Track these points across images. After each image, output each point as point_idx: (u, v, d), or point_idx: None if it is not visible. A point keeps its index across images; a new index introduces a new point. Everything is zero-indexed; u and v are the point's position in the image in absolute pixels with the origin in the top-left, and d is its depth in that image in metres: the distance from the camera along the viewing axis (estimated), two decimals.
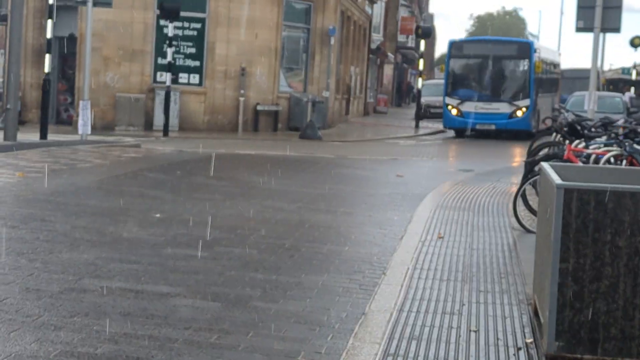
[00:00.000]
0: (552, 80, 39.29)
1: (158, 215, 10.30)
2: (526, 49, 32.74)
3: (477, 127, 31.68)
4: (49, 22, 21.37)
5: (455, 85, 33.06)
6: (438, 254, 8.87)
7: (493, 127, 31.70)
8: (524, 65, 32.58)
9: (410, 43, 64.23)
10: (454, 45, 33.28)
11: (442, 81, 63.04)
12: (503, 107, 31.84)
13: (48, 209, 10.42)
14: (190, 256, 8.26)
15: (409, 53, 68.53)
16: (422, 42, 39.77)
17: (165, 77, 27.21)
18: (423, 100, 41.66)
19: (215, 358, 5.46)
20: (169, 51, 26.79)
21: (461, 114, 32.03)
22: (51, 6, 21.57)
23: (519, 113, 31.75)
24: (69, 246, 8.34)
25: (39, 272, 7.26)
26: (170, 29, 26.60)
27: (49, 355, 5.30)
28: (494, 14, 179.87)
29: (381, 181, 16.51)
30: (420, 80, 40.40)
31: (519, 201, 11.06)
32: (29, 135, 21.66)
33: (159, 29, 29.10)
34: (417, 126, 36.92)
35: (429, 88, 47.55)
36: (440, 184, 15.18)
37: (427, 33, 39.63)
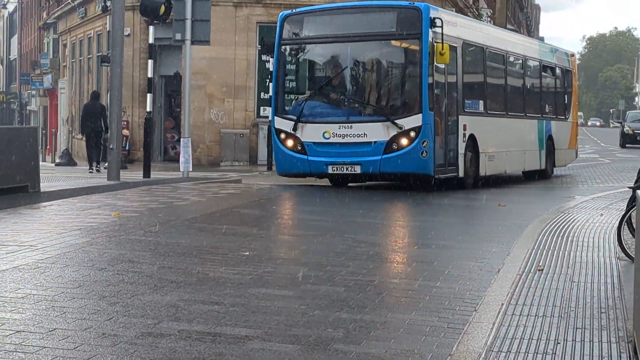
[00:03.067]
0: (534, 92, 24.32)
1: (247, 253, 10.12)
2: (414, 21, 17.67)
3: (330, 170, 17.92)
4: (150, 62, 21.66)
5: (290, 94, 19.66)
6: (536, 288, 8.44)
7: (357, 168, 17.62)
8: (411, 51, 17.97)
9: None
10: (287, 21, 18.92)
11: None
12: (374, 132, 17.54)
13: (137, 249, 10.35)
14: (275, 296, 8.02)
15: None
16: None
17: (269, 111, 27.23)
18: None
19: None
20: (272, 86, 26.81)
21: (301, 147, 18.08)
22: (152, 46, 21.88)
23: (404, 141, 17.32)
24: (153, 288, 8.21)
25: (118, 316, 7.12)
26: (272, 64, 26.62)
27: None
28: (606, 34, 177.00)
29: (481, 211, 16.06)
30: None
31: (625, 228, 10.52)
32: (135, 174, 21.92)
33: (261, 64, 29.29)
34: None
35: None
36: (543, 213, 14.65)
37: None
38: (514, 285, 8.53)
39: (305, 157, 17.91)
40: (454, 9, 32.96)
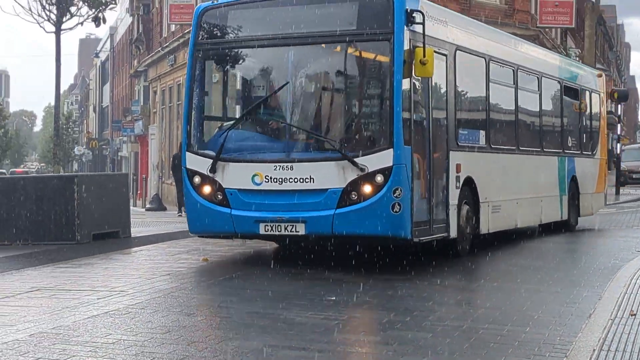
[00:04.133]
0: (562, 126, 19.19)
1: (333, 297, 10.11)
2: (382, 15, 12.16)
3: (262, 230, 12.38)
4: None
5: (207, 119, 13.64)
6: (628, 334, 8.24)
7: (301, 228, 12.18)
8: (378, 58, 12.64)
9: (609, 107, 62.68)
10: (205, 17, 13.22)
11: None
12: (325, 175, 12.11)
13: (225, 294, 10.43)
14: (361, 341, 8.00)
15: (609, 117, 66.67)
16: (620, 106, 38.95)
17: None
18: (623, 165, 40.57)
19: None
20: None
21: (223, 196, 12.62)
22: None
23: (367, 189, 11.90)
24: (240, 333, 8.25)
25: None
26: None
27: None
28: None
29: (573, 254, 15.79)
30: (620, 145, 39.35)
31: None
32: None
33: None
34: (617, 193, 35.70)
35: (631, 153, 46.47)
36: (638, 256, 14.34)
37: (623, 96, 38.63)
38: (605, 330, 8.35)
39: (228, 210, 12.52)
40: None
